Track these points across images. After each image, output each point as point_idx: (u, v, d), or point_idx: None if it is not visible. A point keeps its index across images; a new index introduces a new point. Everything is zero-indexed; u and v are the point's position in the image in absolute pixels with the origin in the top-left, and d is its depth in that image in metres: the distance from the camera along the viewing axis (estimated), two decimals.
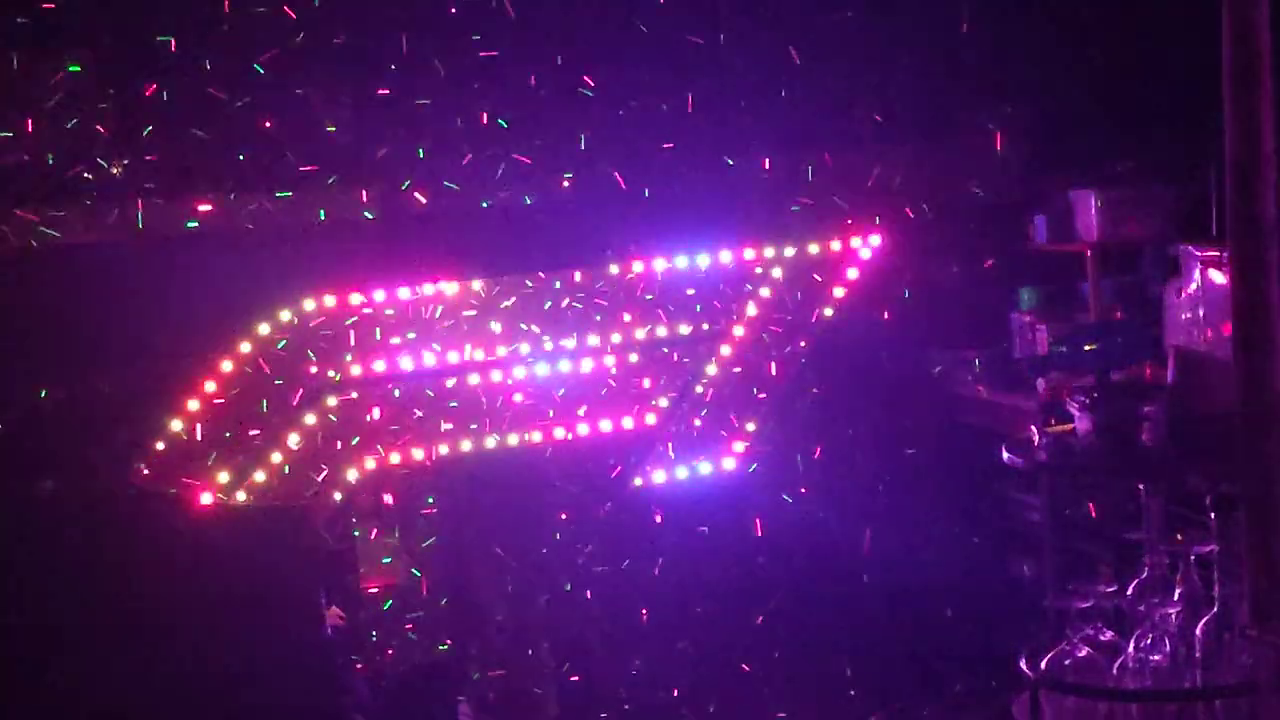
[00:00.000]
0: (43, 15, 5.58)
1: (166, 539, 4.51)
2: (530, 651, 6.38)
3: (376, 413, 5.99)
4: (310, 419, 5.83)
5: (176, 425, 5.61)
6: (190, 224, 5.87)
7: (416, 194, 6.21)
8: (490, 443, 6.22)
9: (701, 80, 6.59)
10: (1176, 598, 3.97)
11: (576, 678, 6.37)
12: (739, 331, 6.54)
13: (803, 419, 6.76)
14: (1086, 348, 6.39)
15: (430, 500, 6.28)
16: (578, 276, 6.27)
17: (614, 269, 6.31)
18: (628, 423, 6.44)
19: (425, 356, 6.04)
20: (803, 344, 6.67)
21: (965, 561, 6.88)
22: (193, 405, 5.63)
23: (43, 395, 5.48)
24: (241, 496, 5.65)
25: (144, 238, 5.77)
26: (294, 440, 5.79)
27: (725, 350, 6.53)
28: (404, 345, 6.00)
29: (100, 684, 4.18)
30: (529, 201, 6.40)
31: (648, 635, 6.51)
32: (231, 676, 4.25)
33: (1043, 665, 4.04)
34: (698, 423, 6.56)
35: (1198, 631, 3.87)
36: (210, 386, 5.66)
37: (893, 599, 6.63)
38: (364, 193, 6.18)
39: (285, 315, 5.83)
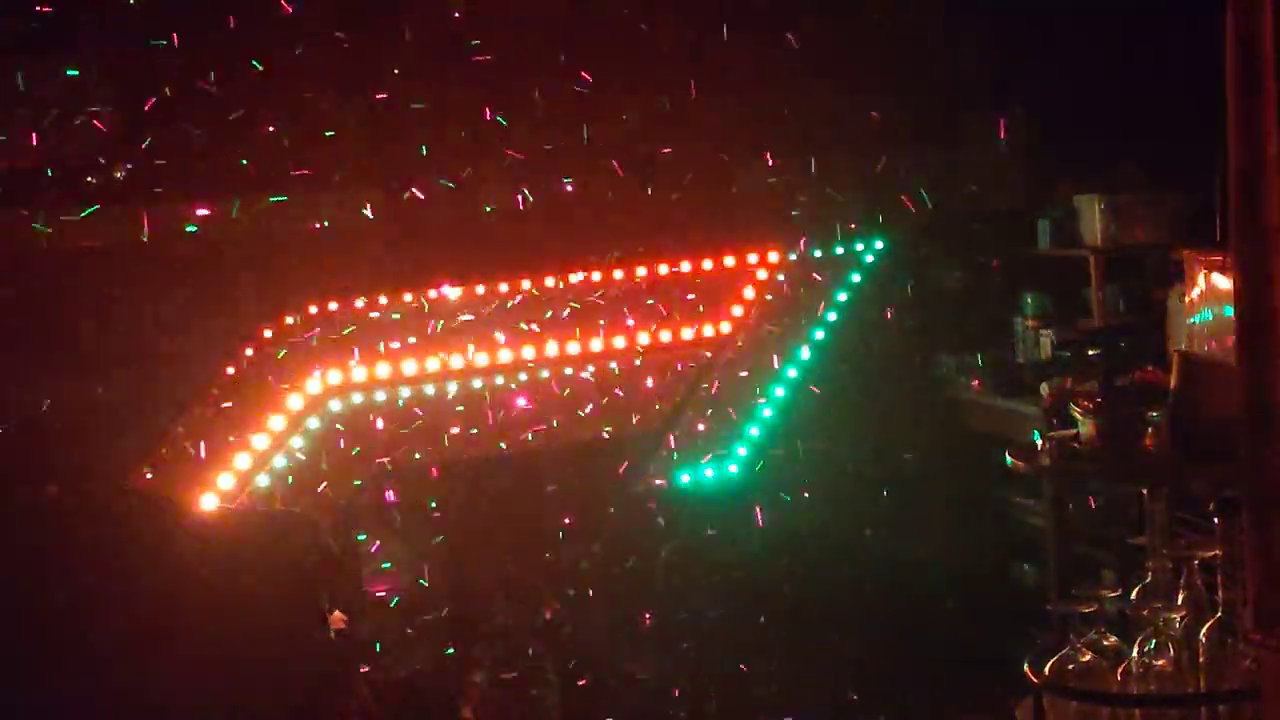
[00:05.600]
0: (47, 19, 5.59)
1: (169, 543, 4.50)
2: (533, 655, 6.38)
3: (380, 417, 6.00)
4: (314, 423, 5.83)
5: (180, 430, 5.62)
6: (193, 228, 5.87)
7: (420, 198, 6.21)
8: (494, 446, 6.23)
9: (705, 84, 6.60)
10: (1180, 602, 3.96)
11: (580, 681, 6.37)
12: (742, 335, 6.54)
13: (806, 422, 6.76)
14: (1090, 353, 6.40)
15: (434, 504, 6.28)
16: (579, 279, 6.28)
17: (617, 272, 6.31)
18: (631, 425, 6.44)
19: (428, 360, 6.04)
20: (806, 347, 6.67)
21: (968, 565, 6.87)
22: (196, 410, 5.64)
23: (46, 400, 5.48)
24: (244, 501, 5.66)
25: (148, 242, 5.78)
26: (297, 444, 5.80)
27: (728, 354, 6.53)
28: (407, 349, 6.00)
29: (102, 688, 4.18)
30: (532, 204, 6.41)
31: (651, 637, 6.51)
32: (234, 681, 4.25)
33: (1046, 670, 4.03)
34: (701, 426, 6.56)
35: (1201, 636, 3.86)
36: (214, 391, 5.66)
37: (896, 602, 6.63)
38: (367, 196, 6.19)
39: (289, 319, 5.83)
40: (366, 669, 5.23)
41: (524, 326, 6.23)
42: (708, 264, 6.48)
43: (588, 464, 6.43)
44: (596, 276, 6.30)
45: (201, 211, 5.90)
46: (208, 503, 5.51)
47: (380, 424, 6.01)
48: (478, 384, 6.17)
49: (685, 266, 6.44)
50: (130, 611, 4.24)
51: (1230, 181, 3.03)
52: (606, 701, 6.33)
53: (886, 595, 6.62)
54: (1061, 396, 5.72)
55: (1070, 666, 3.99)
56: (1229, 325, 3.13)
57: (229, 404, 5.71)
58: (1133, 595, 4.07)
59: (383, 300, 5.95)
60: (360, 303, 5.92)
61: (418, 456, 6.09)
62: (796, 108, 6.76)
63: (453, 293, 6.07)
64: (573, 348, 6.27)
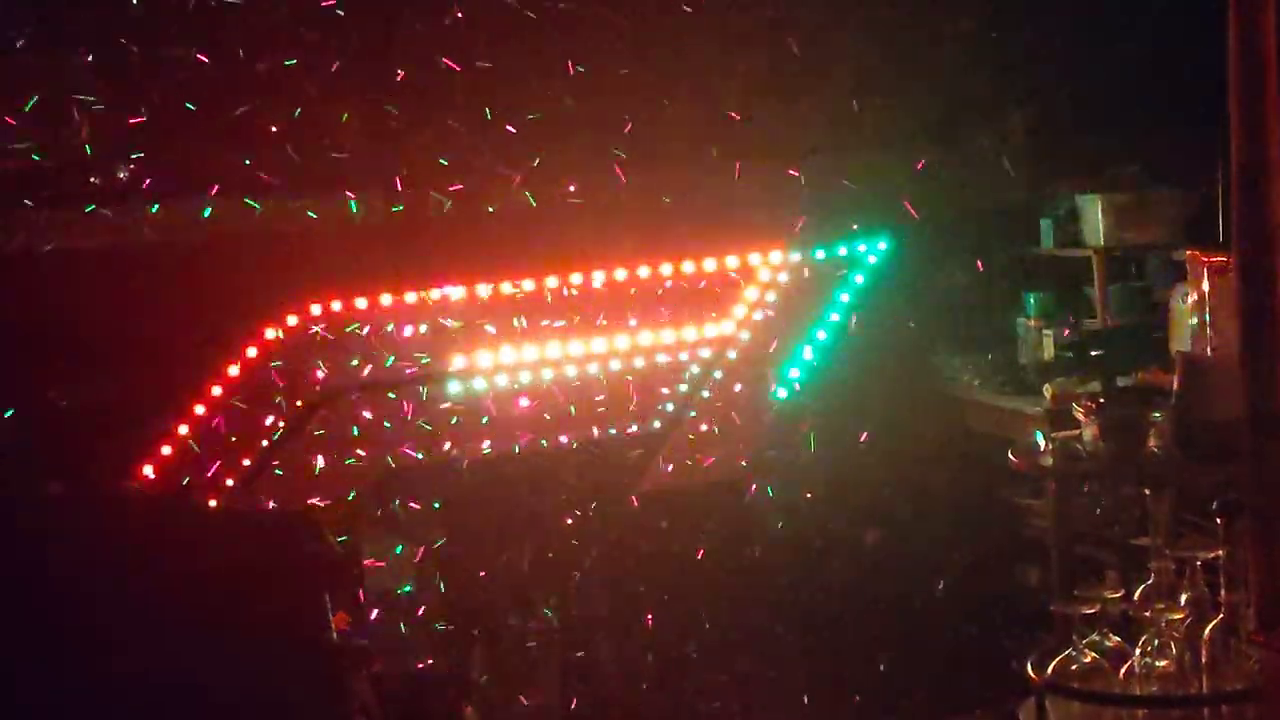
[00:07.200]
0: (48, 17, 5.59)
1: (171, 543, 4.50)
2: (534, 655, 6.38)
3: (382, 417, 5.99)
4: (316, 423, 5.83)
5: (182, 429, 5.62)
6: (196, 228, 5.87)
7: (422, 198, 6.21)
8: (496, 447, 6.22)
9: (707, 85, 6.60)
10: (1183, 603, 3.96)
11: (581, 681, 6.37)
12: (745, 335, 6.54)
13: (808, 423, 6.76)
14: (1093, 353, 6.41)
15: (436, 504, 6.28)
16: (581, 279, 6.27)
17: (620, 272, 6.31)
18: (634, 426, 6.44)
19: (431, 361, 6.04)
20: (809, 348, 6.67)
21: (971, 566, 6.87)
22: (198, 409, 5.64)
23: (47, 400, 5.49)
24: (247, 501, 5.65)
25: (148, 242, 5.78)
26: (299, 445, 5.80)
27: (731, 354, 6.53)
28: (409, 350, 6.00)
29: (103, 688, 4.18)
30: (534, 204, 6.40)
31: (654, 639, 6.51)
32: (235, 681, 4.25)
33: (1049, 670, 4.03)
34: (704, 426, 6.56)
35: (1204, 637, 3.86)
36: (216, 391, 5.66)
37: (899, 603, 6.63)
38: (370, 196, 6.19)
39: (291, 319, 5.83)
40: (368, 670, 5.22)
41: (527, 329, 6.22)
42: (710, 263, 6.48)
43: (590, 464, 6.43)
44: (599, 276, 6.29)
45: (203, 211, 5.89)
46: (209, 503, 5.50)
47: (382, 423, 6.00)
48: (480, 384, 6.16)
49: (688, 266, 6.43)
50: (130, 611, 4.24)
51: (1232, 181, 3.03)
52: (607, 701, 6.33)
53: (889, 596, 6.62)
54: (1064, 397, 5.74)
55: (1073, 667, 3.99)
56: (1231, 325, 3.13)
57: (231, 404, 5.70)
58: (1135, 596, 4.07)
59: (386, 300, 5.95)
60: (363, 303, 5.91)
61: (419, 457, 6.08)
62: (798, 108, 6.75)
63: (455, 293, 6.06)
64: (575, 347, 6.26)
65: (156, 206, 5.79)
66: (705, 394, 6.55)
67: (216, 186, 5.90)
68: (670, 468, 6.53)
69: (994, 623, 6.68)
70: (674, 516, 6.62)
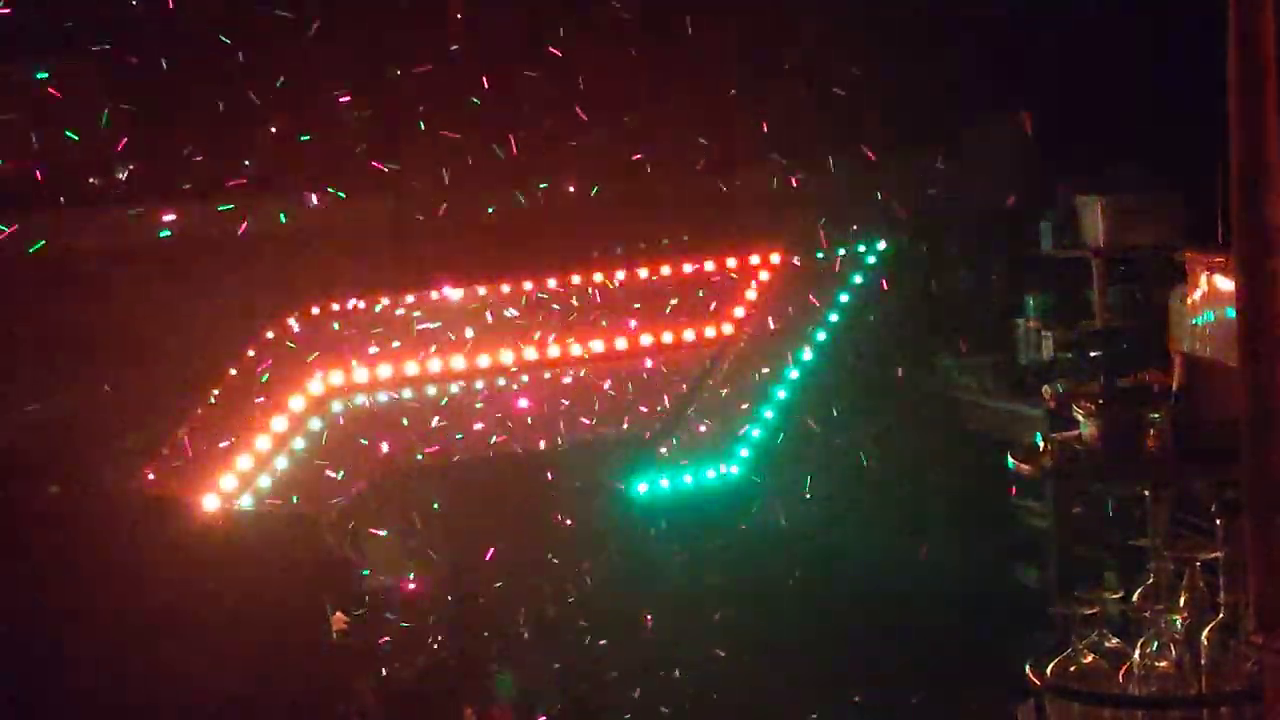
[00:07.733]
0: (49, 23, 5.59)
1: (172, 544, 4.51)
2: (534, 656, 6.38)
3: (381, 418, 6.00)
4: (315, 424, 5.83)
5: (182, 430, 5.62)
6: (196, 230, 5.87)
7: (421, 200, 6.21)
8: (495, 447, 6.22)
9: (706, 86, 6.60)
10: (1182, 604, 3.96)
11: (581, 682, 6.36)
12: (744, 336, 6.54)
13: (807, 424, 6.76)
14: (1092, 354, 6.39)
15: (435, 505, 6.28)
16: (580, 280, 6.27)
17: (619, 274, 6.31)
18: (633, 426, 6.44)
19: (429, 361, 6.04)
20: (808, 349, 6.67)
21: (971, 567, 6.86)
22: (198, 411, 5.64)
23: (48, 401, 5.48)
24: (247, 502, 5.65)
25: (148, 242, 5.78)
26: (299, 445, 5.80)
27: (730, 355, 6.53)
28: (408, 350, 6.00)
29: (106, 688, 4.18)
30: (534, 206, 6.40)
31: (652, 640, 6.50)
32: (237, 682, 4.26)
33: (1048, 671, 4.03)
34: (703, 427, 6.56)
35: (1203, 638, 3.86)
36: (216, 392, 5.66)
37: (898, 605, 6.63)
38: (369, 198, 6.19)
39: (291, 321, 5.83)
40: (368, 669, 5.22)
41: (526, 330, 6.22)
42: (710, 265, 6.48)
43: (589, 465, 6.43)
44: (598, 278, 6.29)
45: (203, 212, 5.90)
46: (209, 503, 5.51)
47: (381, 424, 6.00)
48: (479, 385, 6.16)
49: (687, 268, 6.43)
50: (131, 611, 4.24)
51: (1232, 182, 3.02)
52: (608, 700, 6.32)
53: (888, 597, 6.61)
54: (1064, 398, 5.72)
55: (1072, 668, 3.99)
56: (1231, 327, 3.13)
57: (230, 405, 5.71)
58: (1135, 597, 4.07)
59: (385, 301, 5.95)
60: (362, 304, 5.91)
61: (419, 457, 6.08)
62: (798, 109, 6.75)
63: (455, 294, 6.06)
64: (574, 349, 6.26)
65: (156, 208, 5.79)
66: (704, 394, 6.54)
67: (216, 188, 5.90)
68: (668, 469, 6.53)
69: (993, 624, 6.67)
70: (672, 516, 6.61)
